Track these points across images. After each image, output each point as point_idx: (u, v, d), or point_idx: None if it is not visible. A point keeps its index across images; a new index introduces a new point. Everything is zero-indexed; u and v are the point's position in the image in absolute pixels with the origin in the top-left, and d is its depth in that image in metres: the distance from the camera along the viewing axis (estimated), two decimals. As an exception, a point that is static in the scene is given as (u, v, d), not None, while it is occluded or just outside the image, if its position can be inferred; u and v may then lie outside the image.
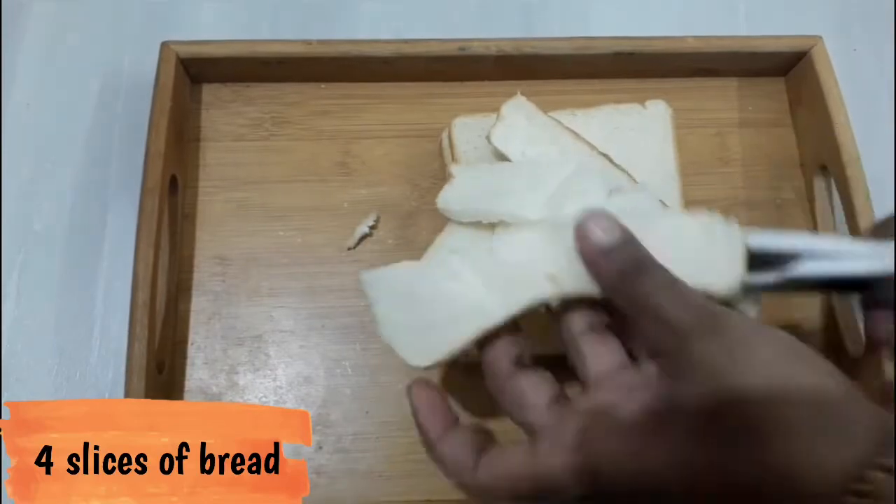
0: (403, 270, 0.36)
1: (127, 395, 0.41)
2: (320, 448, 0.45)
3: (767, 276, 0.33)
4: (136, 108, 0.50)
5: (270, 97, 0.52)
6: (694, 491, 0.26)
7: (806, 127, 0.52)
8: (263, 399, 0.45)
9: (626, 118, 0.50)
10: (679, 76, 0.53)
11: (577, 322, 0.33)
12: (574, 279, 0.33)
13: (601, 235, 0.30)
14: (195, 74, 0.51)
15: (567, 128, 0.48)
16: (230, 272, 0.48)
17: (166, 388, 0.45)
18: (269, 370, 0.46)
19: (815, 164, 0.51)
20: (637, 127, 0.50)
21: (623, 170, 0.48)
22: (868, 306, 0.34)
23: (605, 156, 0.48)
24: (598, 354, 0.32)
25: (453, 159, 0.48)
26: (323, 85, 0.52)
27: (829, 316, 0.48)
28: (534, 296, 0.34)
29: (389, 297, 0.36)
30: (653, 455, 0.27)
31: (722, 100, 0.54)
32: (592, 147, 0.48)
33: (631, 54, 0.51)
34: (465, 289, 0.35)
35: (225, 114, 0.51)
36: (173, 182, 0.47)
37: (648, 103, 0.50)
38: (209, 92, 0.52)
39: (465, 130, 0.48)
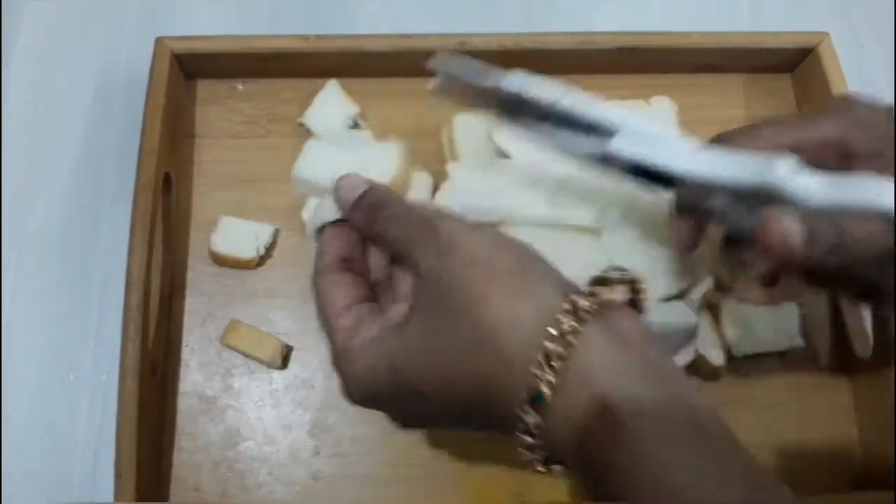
0: None
1: (120, 397, 0.40)
2: (318, 453, 0.44)
3: (584, 144, 0.34)
4: (131, 106, 0.49)
5: (266, 93, 0.51)
6: (425, 382, 0.30)
7: (812, 124, 0.51)
8: (259, 403, 0.45)
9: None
10: (684, 72, 0.52)
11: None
12: None
13: (346, 193, 0.34)
14: (190, 70, 0.50)
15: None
16: (225, 272, 0.47)
17: (160, 390, 0.44)
18: (264, 373, 0.45)
19: (822, 162, 0.50)
20: (641, 124, 0.49)
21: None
22: (678, 209, 0.36)
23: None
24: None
25: (453, 156, 0.47)
26: (320, 81, 0.51)
27: (837, 317, 0.48)
28: None
29: None
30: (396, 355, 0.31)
31: (727, 96, 0.53)
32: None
33: (632, 50, 0.50)
34: None
35: (220, 110, 0.51)
36: (167, 180, 0.46)
37: (653, 99, 0.49)
38: (204, 88, 0.51)
39: (466, 127, 0.47)
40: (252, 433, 0.44)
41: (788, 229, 0.31)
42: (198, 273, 0.47)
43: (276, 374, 0.45)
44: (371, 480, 0.43)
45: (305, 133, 0.50)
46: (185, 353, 0.45)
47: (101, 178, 0.50)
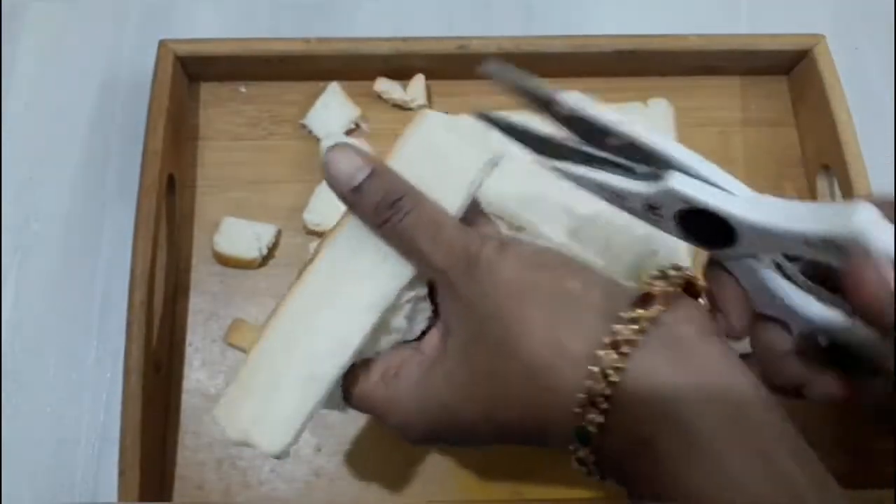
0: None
1: (124, 396, 0.41)
2: (319, 450, 0.44)
3: (640, 186, 0.30)
4: (135, 108, 0.49)
5: (269, 96, 0.51)
6: (476, 415, 0.29)
7: (808, 125, 0.52)
8: (262, 400, 0.45)
9: (628, 116, 0.49)
10: (682, 74, 0.52)
11: None
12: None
13: (347, 170, 0.29)
14: (193, 73, 0.50)
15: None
16: (228, 272, 0.47)
17: (164, 388, 0.44)
18: (267, 371, 0.46)
19: (818, 163, 0.50)
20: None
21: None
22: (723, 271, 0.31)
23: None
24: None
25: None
26: (322, 83, 0.51)
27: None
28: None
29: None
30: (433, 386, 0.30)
31: (724, 98, 0.53)
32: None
33: (630, 52, 0.50)
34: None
35: (223, 112, 0.51)
36: (171, 181, 0.47)
37: (651, 101, 0.50)
38: (207, 90, 0.51)
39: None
40: (255, 431, 0.44)
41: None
42: (201, 273, 0.47)
43: (278, 372, 0.46)
44: (372, 478, 0.44)
45: (307, 135, 0.50)
46: (189, 351, 0.46)
47: (103, 179, 0.51)
